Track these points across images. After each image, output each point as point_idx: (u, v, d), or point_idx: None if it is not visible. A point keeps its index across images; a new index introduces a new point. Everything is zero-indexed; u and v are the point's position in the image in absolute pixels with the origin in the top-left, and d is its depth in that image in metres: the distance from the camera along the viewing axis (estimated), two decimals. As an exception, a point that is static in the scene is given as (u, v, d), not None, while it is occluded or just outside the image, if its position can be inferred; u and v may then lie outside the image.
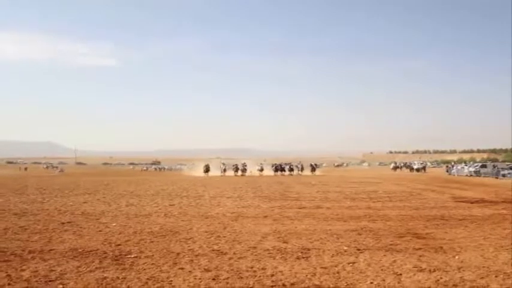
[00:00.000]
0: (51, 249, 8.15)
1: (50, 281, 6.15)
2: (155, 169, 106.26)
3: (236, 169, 57.38)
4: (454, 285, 6.03)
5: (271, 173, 58.33)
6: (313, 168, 60.32)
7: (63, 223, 11.53)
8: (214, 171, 55.92)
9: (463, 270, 6.76)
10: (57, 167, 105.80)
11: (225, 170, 56.31)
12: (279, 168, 59.94)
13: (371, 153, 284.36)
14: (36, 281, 6.14)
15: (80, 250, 8.11)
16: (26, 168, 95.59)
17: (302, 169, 60.54)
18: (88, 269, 6.73)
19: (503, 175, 43.62)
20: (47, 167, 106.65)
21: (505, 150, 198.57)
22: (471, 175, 50.90)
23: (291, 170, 59.48)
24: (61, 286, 5.94)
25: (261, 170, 58.77)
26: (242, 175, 54.73)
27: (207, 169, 55.77)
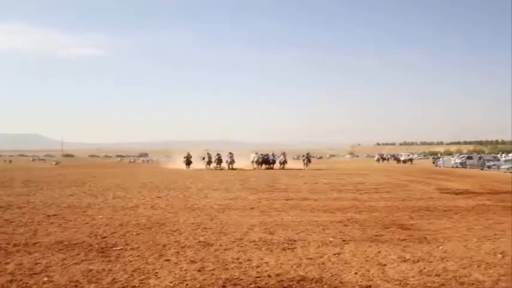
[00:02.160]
0: (36, 242, 8.11)
1: (34, 273, 6.13)
2: (142, 161, 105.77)
3: (209, 161, 47.34)
4: (436, 275, 6.11)
5: (250, 165, 47.74)
6: (308, 160, 49.88)
7: (48, 216, 11.46)
8: (198, 164, 47.37)
9: (446, 261, 6.85)
10: (44, 159, 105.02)
11: (209, 162, 47.20)
12: (264, 160, 48.51)
13: (359, 144, 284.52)
14: (21, 273, 6.11)
15: (66, 243, 8.08)
16: (10, 161, 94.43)
17: (285, 161, 48.38)
18: (73, 262, 6.72)
19: (489, 166, 44.12)
20: (33, 160, 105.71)
21: (491, 142, 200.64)
22: (457, 167, 51.34)
23: (273, 162, 48.47)
24: (46, 279, 5.92)
25: (230, 162, 46.63)
26: (218, 168, 46.33)
27: (188, 161, 47.24)
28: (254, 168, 46.02)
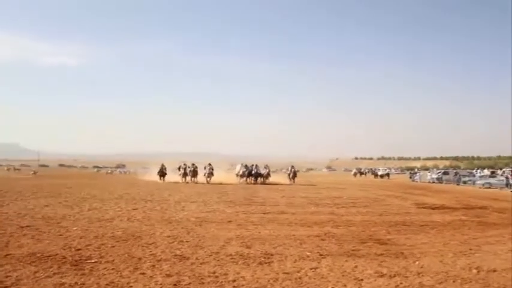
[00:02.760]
0: (7, 254, 7.92)
1: (5, 287, 5.99)
2: (120, 172, 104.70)
3: (185, 173, 41.66)
4: (413, 290, 6.13)
5: (231, 178, 42.69)
6: (294, 174, 44.41)
7: (22, 227, 11.21)
8: (174, 176, 42.80)
9: (423, 276, 6.90)
10: (19, 169, 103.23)
11: (185, 175, 41.54)
12: (248, 173, 42.56)
13: (336, 159, 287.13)
14: (-9, 286, 5.97)
15: (38, 255, 7.91)
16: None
17: (268, 175, 43.50)
18: (45, 275, 6.58)
19: (464, 182, 44.83)
20: (8, 169, 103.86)
21: (467, 158, 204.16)
22: (434, 182, 51.98)
23: (258, 176, 42.63)
24: (16, 292, 5.79)
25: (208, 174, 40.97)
26: (194, 181, 41.15)
27: (162, 173, 42.74)
28: (240, 182, 40.86)
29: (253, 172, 42.83)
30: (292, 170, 44.91)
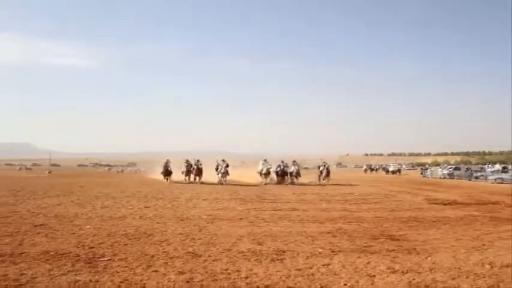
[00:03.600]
0: (22, 252, 7.99)
1: (20, 284, 6.04)
2: (130, 171, 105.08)
3: (188, 171, 35.82)
4: (425, 286, 6.12)
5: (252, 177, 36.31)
6: (328, 173, 36.34)
7: (35, 225, 11.31)
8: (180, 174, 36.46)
9: (435, 272, 6.86)
10: (30, 169, 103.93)
11: (188, 173, 35.80)
12: (282, 172, 35.64)
13: (347, 155, 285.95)
14: (6, 285, 6.01)
15: (52, 253, 7.97)
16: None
17: (298, 174, 35.74)
18: (60, 272, 6.63)
19: (476, 177, 44.44)
20: (20, 169, 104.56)
21: (478, 153, 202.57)
22: (445, 177, 51.62)
23: (284, 174, 35.55)
24: (32, 290, 5.85)
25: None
26: (198, 181, 35.14)
27: (166, 171, 36.13)
28: (265, 183, 33.60)
29: (277, 170, 35.74)
30: (325, 167, 36.72)
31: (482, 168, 53.51)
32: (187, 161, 36.64)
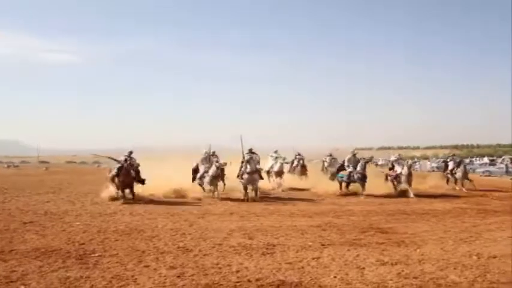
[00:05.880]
0: (12, 250, 7.97)
1: (11, 281, 6.04)
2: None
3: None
4: (414, 277, 6.21)
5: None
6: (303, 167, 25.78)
7: (25, 223, 11.26)
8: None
9: (424, 263, 6.97)
10: (17, 166, 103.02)
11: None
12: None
13: (337, 149, 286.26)
14: (-3, 282, 6.02)
15: (43, 250, 7.97)
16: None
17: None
18: (51, 269, 6.63)
19: (464, 170, 44.66)
20: (8, 167, 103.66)
21: (467, 146, 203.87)
22: (434, 170, 51.94)
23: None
24: (23, 287, 5.85)
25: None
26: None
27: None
28: (282, 190, 21.48)
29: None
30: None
31: (470, 161, 53.93)
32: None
